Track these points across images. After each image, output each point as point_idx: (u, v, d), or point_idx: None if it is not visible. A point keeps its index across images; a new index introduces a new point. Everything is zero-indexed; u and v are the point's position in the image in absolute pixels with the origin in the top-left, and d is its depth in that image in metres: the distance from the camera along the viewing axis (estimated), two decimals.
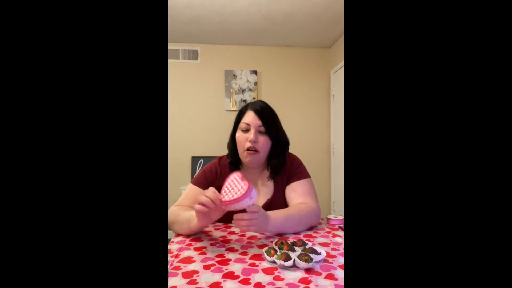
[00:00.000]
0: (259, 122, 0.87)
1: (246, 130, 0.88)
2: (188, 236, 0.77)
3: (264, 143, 0.88)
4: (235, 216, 0.66)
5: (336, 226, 0.87)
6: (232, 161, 0.94)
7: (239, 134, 0.90)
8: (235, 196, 0.63)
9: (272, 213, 0.74)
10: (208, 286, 0.49)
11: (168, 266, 0.57)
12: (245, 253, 0.63)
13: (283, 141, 0.94)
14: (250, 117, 0.88)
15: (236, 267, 0.56)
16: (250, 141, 0.86)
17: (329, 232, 0.80)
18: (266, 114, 0.89)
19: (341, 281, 0.50)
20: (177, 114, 3.04)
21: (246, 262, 0.59)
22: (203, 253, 0.64)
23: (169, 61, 3.04)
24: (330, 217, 0.92)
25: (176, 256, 0.63)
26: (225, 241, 0.72)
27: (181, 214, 0.79)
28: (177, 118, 3.04)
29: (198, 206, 0.66)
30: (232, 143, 0.93)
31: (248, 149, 0.87)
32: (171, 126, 3.00)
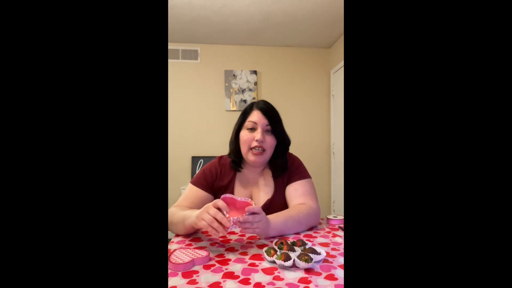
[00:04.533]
0: (265, 121, 0.88)
1: (252, 129, 0.88)
2: (188, 236, 0.77)
3: (270, 142, 0.89)
4: (242, 219, 0.64)
5: (336, 226, 0.87)
6: (235, 160, 0.94)
7: (244, 133, 0.89)
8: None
9: (272, 217, 0.74)
10: (208, 286, 0.49)
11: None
12: (245, 253, 0.63)
13: (286, 140, 0.95)
14: (256, 116, 0.88)
15: (236, 267, 0.56)
16: (257, 141, 0.86)
17: (329, 232, 0.80)
18: (272, 113, 0.90)
19: (341, 281, 0.50)
20: (177, 114, 3.04)
21: (246, 262, 0.59)
22: None
23: (169, 61, 3.04)
24: (330, 217, 0.92)
25: None
26: (225, 241, 0.72)
27: (176, 215, 0.79)
28: (177, 118, 3.04)
29: (203, 224, 0.64)
30: (235, 142, 0.93)
31: (255, 148, 0.87)
32: (171, 126, 3.00)
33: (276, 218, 0.75)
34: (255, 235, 0.76)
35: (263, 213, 0.68)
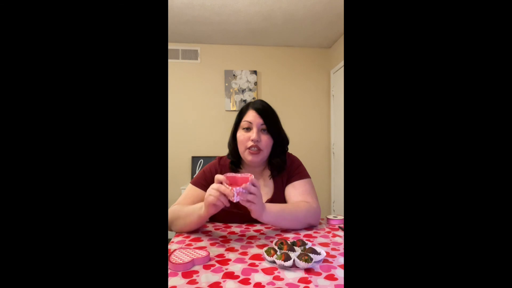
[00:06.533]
0: (260, 121, 0.88)
1: (248, 129, 0.89)
2: (188, 236, 0.77)
3: (266, 141, 0.89)
4: (244, 186, 0.67)
5: (336, 226, 0.87)
6: (233, 161, 0.94)
7: (240, 133, 0.90)
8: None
9: (268, 204, 0.77)
10: (208, 286, 0.49)
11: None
12: (245, 253, 0.63)
13: (284, 139, 0.95)
14: (251, 116, 0.89)
15: (236, 267, 0.56)
16: (252, 140, 0.87)
17: (329, 232, 0.80)
18: (268, 113, 0.90)
19: (341, 281, 0.50)
20: (177, 114, 3.04)
21: (246, 262, 0.59)
22: None
23: (169, 61, 3.04)
24: (330, 217, 0.92)
25: None
26: (225, 241, 0.72)
27: (184, 209, 0.81)
28: (177, 118, 3.04)
29: (211, 197, 0.69)
30: (233, 143, 0.93)
31: (251, 148, 0.87)
32: (171, 126, 3.00)
33: (272, 205, 0.77)
34: (253, 233, 0.77)
35: (260, 194, 0.72)
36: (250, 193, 0.68)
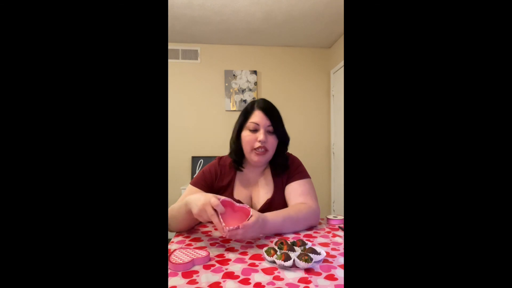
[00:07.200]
0: (268, 122, 0.88)
1: (255, 130, 0.88)
2: (188, 236, 0.77)
3: (272, 142, 0.89)
4: (230, 234, 0.64)
5: (336, 226, 0.87)
6: (236, 160, 0.94)
7: (246, 134, 0.89)
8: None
9: (270, 215, 0.74)
10: (208, 286, 0.49)
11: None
12: (245, 253, 0.63)
13: (286, 139, 0.95)
14: (258, 117, 0.88)
15: (236, 267, 0.56)
16: (260, 142, 0.86)
17: (329, 232, 0.80)
18: (274, 114, 0.90)
19: (341, 281, 0.50)
20: (177, 114, 3.04)
21: (246, 262, 0.59)
22: None
23: (169, 61, 3.04)
24: (330, 217, 0.92)
25: None
26: (225, 241, 0.72)
27: (174, 208, 0.79)
28: (177, 118, 3.04)
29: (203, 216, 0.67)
30: (237, 142, 0.93)
31: (258, 149, 0.87)
32: (171, 126, 3.00)
33: (275, 217, 0.75)
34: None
35: (260, 218, 0.68)
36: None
